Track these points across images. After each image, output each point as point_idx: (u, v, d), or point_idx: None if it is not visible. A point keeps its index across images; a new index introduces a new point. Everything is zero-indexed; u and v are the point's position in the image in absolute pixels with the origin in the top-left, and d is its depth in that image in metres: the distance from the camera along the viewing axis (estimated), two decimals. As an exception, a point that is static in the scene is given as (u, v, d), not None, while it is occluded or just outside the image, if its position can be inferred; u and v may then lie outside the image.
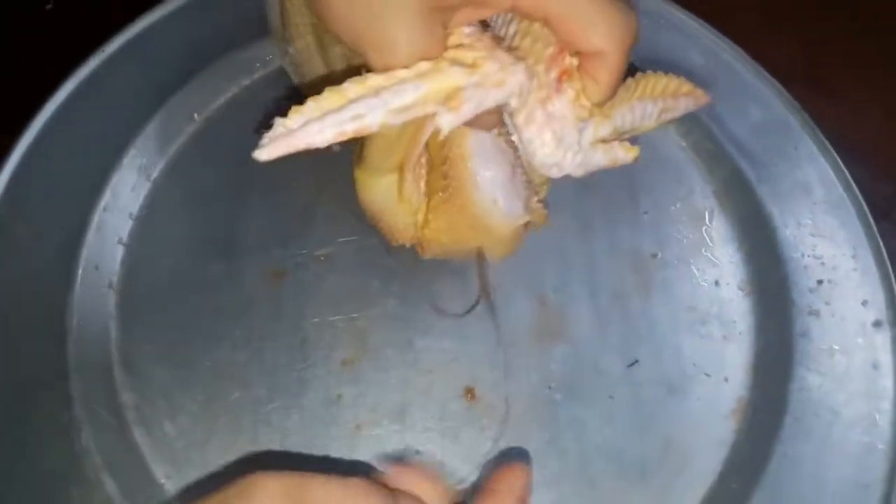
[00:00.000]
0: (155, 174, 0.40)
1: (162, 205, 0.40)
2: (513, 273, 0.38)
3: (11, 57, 0.45)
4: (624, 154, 0.28)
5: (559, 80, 0.27)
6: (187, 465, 0.35)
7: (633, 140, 0.30)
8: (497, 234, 0.32)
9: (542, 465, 0.36)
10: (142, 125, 0.40)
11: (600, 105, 0.27)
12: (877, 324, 0.36)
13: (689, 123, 0.41)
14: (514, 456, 0.36)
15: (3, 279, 0.35)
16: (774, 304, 0.38)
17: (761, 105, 0.39)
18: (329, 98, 0.25)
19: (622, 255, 0.39)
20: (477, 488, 0.29)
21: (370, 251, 0.38)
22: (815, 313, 0.38)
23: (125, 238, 0.39)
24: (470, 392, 0.37)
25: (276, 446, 0.36)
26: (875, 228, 0.37)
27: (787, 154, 0.39)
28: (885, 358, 0.36)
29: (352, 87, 0.25)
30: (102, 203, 0.39)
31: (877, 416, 0.35)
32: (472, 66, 0.26)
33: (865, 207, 0.37)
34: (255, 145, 0.24)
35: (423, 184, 0.33)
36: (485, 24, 0.29)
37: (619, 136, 0.29)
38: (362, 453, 0.36)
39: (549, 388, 0.37)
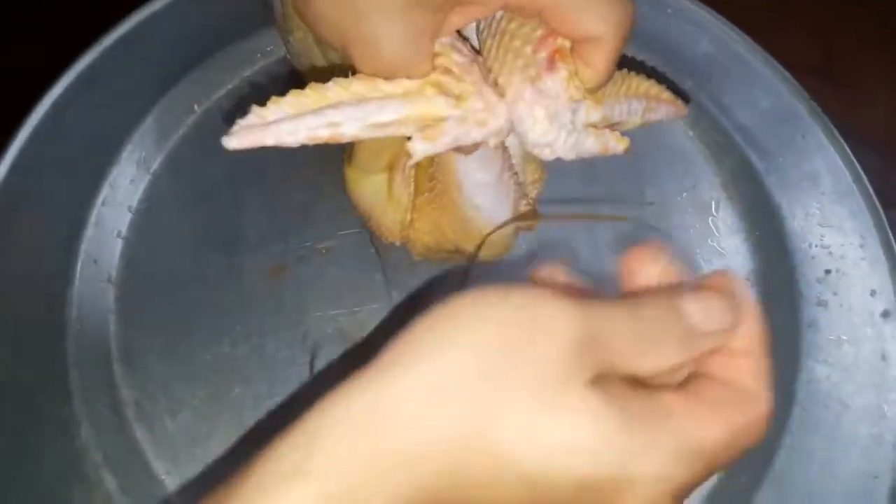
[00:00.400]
0: (154, 167, 0.40)
1: (161, 198, 0.40)
2: (519, 263, 0.38)
3: (8, 55, 0.44)
4: (615, 143, 0.28)
5: (551, 58, 0.26)
6: (188, 462, 0.35)
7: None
8: (481, 237, 0.32)
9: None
10: (141, 118, 0.40)
11: (594, 91, 0.27)
12: (885, 314, 0.36)
13: (697, 113, 0.41)
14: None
15: (2, 274, 0.35)
16: (782, 295, 0.38)
17: (769, 94, 0.38)
18: (309, 96, 0.24)
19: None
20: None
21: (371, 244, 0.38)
22: (823, 304, 0.37)
23: (124, 231, 0.39)
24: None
25: (278, 441, 0.35)
26: (884, 218, 0.37)
27: (796, 144, 0.39)
28: (893, 348, 0.36)
29: (334, 89, 0.24)
30: (101, 197, 0.39)
31: (885, 408, 0.35)
32: (457, 97, 0.25)
33: (874, 197, 0.37)
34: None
35: (412, 184, 0.32)
36: (475, 51, 0.28)
37: (608, 125, 0.28)
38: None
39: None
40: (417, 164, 0.31)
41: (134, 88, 0.39)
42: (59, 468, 0.34)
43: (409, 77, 0.25)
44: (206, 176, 0.40)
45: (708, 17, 0.38)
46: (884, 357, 0.36)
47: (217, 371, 0.36)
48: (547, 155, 0.27)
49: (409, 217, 0.33)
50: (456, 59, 0.26)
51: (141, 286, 0.38)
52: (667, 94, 0.31)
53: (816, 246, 0.38)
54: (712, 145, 0.41)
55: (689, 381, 0.22)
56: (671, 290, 0.22)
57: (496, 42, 0.27)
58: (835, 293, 0.37)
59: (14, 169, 0.35)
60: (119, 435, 0.35)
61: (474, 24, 0.28)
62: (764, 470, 0.35)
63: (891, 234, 0.37)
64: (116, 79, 0.38)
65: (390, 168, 0.31)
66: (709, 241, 0.39)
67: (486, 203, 0.31)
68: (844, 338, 0.36)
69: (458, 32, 0.28)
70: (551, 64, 0.26)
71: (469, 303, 0.20)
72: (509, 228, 0.32)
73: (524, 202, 0.33)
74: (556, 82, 0.26)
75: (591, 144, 0.27)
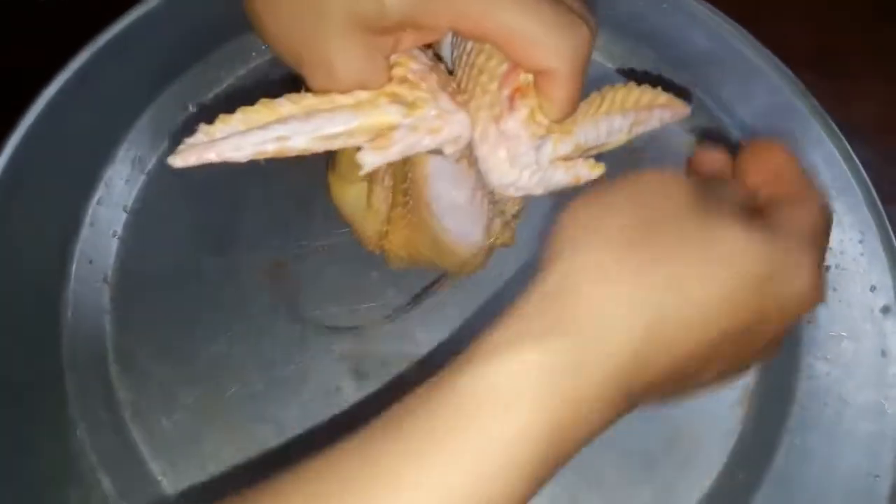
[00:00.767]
0: (149, 167, 0.40)
1: (157, 198, 0.39)
2: (520, 262, 0.38)
3: (8, 55, 0.44)
4: (588, 171, 0.27)
5: (511, 97, 0.26)
6: (185, 462, 0.35)
7: (599, 157, 0.29)
8: (452, 255, 0.32)
9: (546, 458, 0.35)
10: (135, 117, 0.40)
11: (558, 122, 0.27)
12: (885, 310, 0.36)
13: (694, 108, 0.40)
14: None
15: (-4, 274, 0.35)
16: (781, 292, 0.38)
17: (768, 89, 0.38)
18: (259, 112, 0.24)
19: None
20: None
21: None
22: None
23: (120, 231, 0.39)
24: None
25: (274, 441, 0.35)
26: (884, 213, 0.36)
27: (794, 138, 0.38)
28: (893, 344, 0.35)
29: (285, 105, 0.24)
30: (97, 196, 0.39)
31: (885, 405, 0.35)
32: (410, 105, 0.25)
33: (874, 192, 0.37)
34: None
35: (390, 196, 0.32)
36: (437, 58, 0.28)
37: (584, 152, 0.28)
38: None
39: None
40: (394, 177, 0.31)
41: (129, 87, 0.39)
42: (55, 469, 0.34)
43: (364, 89, 0.25)
44: (202, 175, 0.39)
45: (706, 11, 0.38)
46: (884, 353, 0.35)
47: (214, 370, 0.36)
48: (513, 193, 0.27)
49: (385, 229, 0.33)
50: (412, 66, 0.26)
51: (137, 286, 0.38)
52: (663, 98, 0.29)
53: (816, 242, 0.38)
54: (709, 139, 0.41)
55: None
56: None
57: (466, 74, 0.27)
58: (834, 289, 0.37)
59: (9, 168, 0.35)
60: (115, 436, 0.35)
61: (448, 43, 0.28)
62: (763, 468, 0.35)
63: (890, 230, 0.36)
64: (111, 78, 0.37)
65: (370, 178, 0.31)
66: (707, 237, 0.39)
67: (455, 226, 0.30)
68: (844, 334, 0.36)
69: (435, 53, 0.28)
70: (511, 103, 0.26)
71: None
72: (478, 249, 0.32)
73: (499, 220, 0.32)
74: (516, 122, 0.25)
75: (561, 177, 0.27)
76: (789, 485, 0.35)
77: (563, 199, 0.24)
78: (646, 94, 0.29)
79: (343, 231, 0.38)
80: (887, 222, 0.36)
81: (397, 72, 0.26)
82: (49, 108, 0.36)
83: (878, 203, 0.37)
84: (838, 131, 0.37)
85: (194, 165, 0.23)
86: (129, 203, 0.39)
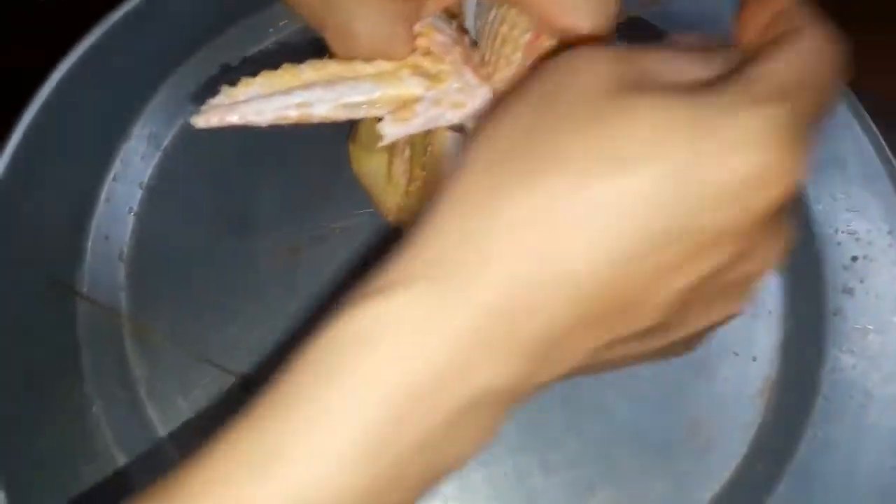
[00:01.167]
0: (165, 143, 0.39)
1: (173, 175, 0.39)
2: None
3: (8, 55, 0.44)
4: None
5: (533, 67, 0.25)
6: (200, 441, 0.35)
7: None
8: None
9: (562, 445, 0.35)
10: (151, 93, 0.39)
11: None
12: (913, 302, 0.35)
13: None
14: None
15: (12, 250, 0.34)
16: (806, 282, 0.37)
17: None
18: (282, 77, 0.24)
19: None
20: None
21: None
22: (849, 291, 0.36)
23: (136, 208, 0.38)
24: (489, 369, 0.36)
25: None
26: (914, 203, 0.36)
27: (821, 123, 0.37)
28: (920, 338, 0.35)
29: (308, 70, 0.24)
30: (112, 173, 0.39)
31: (911, 398, 0.34)
32: (433, 78, 0.25)
33: (904, 181, 0.36)
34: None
35: (410, 168, 0.32)
36: (462, 30, 0.27)
37: None
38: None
39: (571, 366, 0.36)
40: (413, 149, 0.31)
41: (144, 63, 0.39)
42: (71, 446, 0.34)
43: (387, 59, 0.25)
44: (218, 153, 0.39)
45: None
46: (911, 346, 0.35)
47: (229, 351, 0.36)
48: None
49: (404, 202, 0.32)
50: (437, 38, 0.25)
51: (153, 264, 0.38)
52: None
53: (843, 232, 0.37)
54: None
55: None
56: None
57: (489, 47, 0.26)
58: (861, 281, 0.36)
59: (23, 145, 0.34)
60: (131, 414, 0.35)
61: (472, 14, 0.28)
62: (784, 460, 0.34)
63: (921, 220, 0.36)
64: (126, 53, 0.37)
65: (389, 152, 0.31)
66: (731, 225, 0.38)
67: None
68: (871, 327, 0.35)
69: (460, 26, 0.28)
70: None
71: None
72: None
73: None
74: None
75: None
76: (810, 477, 0.34)
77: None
78: None
79: (361, 212, 0.38)
80: (918, 212, 0.36)
81: (421, 42, 0.25)
82: (64, 83, 0.35)
83: (909, 193, 0.36)
84: (868, 117, 0.36)
85: (216, 127, 0.23)
86: (145, 180, 0.39)
